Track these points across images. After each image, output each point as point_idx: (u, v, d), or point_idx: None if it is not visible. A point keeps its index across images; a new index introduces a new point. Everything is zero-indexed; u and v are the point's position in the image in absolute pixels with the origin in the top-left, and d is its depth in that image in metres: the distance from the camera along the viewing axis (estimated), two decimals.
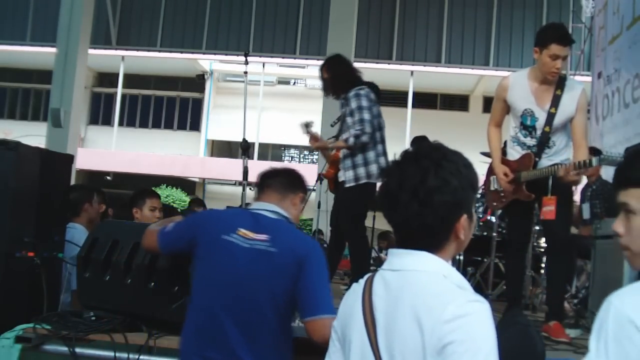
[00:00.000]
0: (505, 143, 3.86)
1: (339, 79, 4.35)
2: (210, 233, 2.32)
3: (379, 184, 2.57)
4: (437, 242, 1.37)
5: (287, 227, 2.38)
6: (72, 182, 5.42)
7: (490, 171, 3.90)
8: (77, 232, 3.60)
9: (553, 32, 3.44)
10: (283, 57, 15.07)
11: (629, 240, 1.27)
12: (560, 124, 3.50)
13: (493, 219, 5.36)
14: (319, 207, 6.53)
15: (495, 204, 3.91)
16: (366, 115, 4.13)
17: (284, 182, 2.48)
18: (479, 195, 5.34)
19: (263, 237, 2.27)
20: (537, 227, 4.96)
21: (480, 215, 5.52)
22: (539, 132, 3.52)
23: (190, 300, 2.34)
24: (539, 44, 3.41)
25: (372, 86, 5.27)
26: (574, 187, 3.62)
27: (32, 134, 13.95)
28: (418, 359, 1.26)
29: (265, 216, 2.36)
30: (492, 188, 3.85)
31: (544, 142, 3.53)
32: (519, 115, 3.56)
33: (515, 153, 3.66)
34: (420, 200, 1.33)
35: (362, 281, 1.46)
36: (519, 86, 3.54)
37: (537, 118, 3.50)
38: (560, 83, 3.48)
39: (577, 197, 4.72)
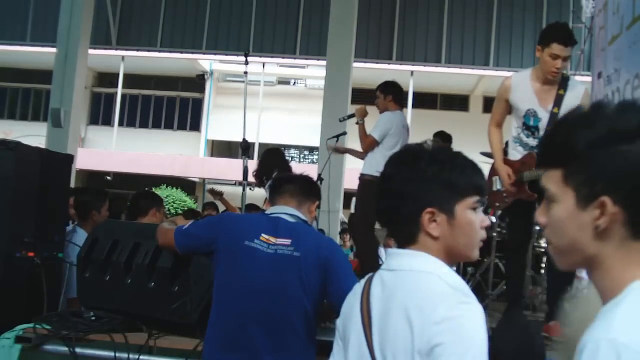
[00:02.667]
0: (506, 143, 3.85)
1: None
2: (232, 239, 2.31)
3: None
4: (408, 235, 1.40)
5: (306, 229, 2.39)
6: (72, 182, 5.42)
7: (492, 172, 3.89)
8: (79, 237, 3.57)
9: (555, 31, 3.46)
10: (283, 57, 15.05)
11: (549, 233, 1.05)
12: None
13: (493, 219, 5.35)
14: (319, 207, 6.52)
15: (497, 204, 3.90)
16: None
17: (301, 188, 2.50)
18: None
19: (285, 241, 2.27)
20: (537, 227, 4.95)
21: None
22: (541, 133, 3.51)
23: (212, 306, 2.33)
24: (541, 42, 3.41)
25: (389, 85, 5.31)
26: None
27: (32, 134, 13.94)
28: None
29: (285, 220, 2.36)
30: (494, 189, 3.84)
31: None
32: (521, 115, 3.55)
33: (517, 153, 3.65)
34: (379, 187, 1.45)
35: (362, 281, 1.47)
36: (522, 87, 3.53)
37: (540, 118, 3.49)
38: (562, 83, 3.47)
39: None
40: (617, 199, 0.94)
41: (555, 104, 3.45)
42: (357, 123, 5.17)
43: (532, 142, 3.56)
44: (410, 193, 1.37)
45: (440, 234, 1.37)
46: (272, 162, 5.06)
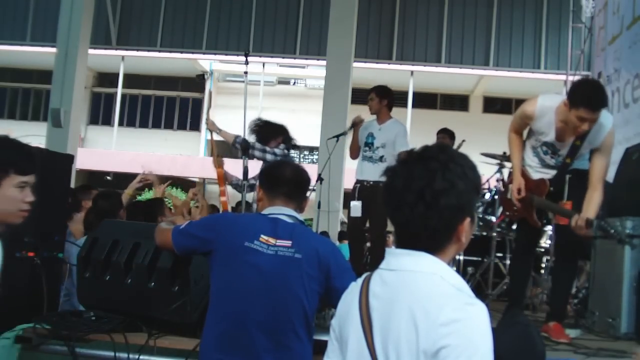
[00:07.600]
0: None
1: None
2: (232, 239, 2.30)
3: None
4: (439, 243, 1.37)
5: (305, 231, 2.40)
6: (73, 182, 5.43)
7: (510, 179, 3.86)
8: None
9: (587, 96, 3.21)
10: (283, 57, 15.05)
11: None
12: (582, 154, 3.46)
13: (493, 219, 5.35)
14: (319, 207, 6.52)
15: (507, 213, 3.88)
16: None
17: (297, 185, 2.49)
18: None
19: (286, 243, 2.27)
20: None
21: (480, 215, 5.51)
22: (560, 158, 3.48)
23: (210, 306, 2.33)
24: (570, 100, 3.22)
25: (387, 91, 5.26)
26: None
27: (32, 134, 13.94)
28: None
29: (284, 221, 2.36)
30: (508, 196, 3.81)
31: (563, 171, 3.48)
32: (541, 140, 3.51)
33: (531, 170, 3.61)
34: (427, 202, 1.31)
35: (359, 280, 1.45)
36: (546, 121, 3.42)
37: (559, 149, 3.47)
38: None
39: None
40: None
41: (578, 137, 3.35)
42: (351, 128, 5.25)
43: (550, 161, 3.53)
44: (461, 206, 1.34)
45: (465, 240, 1.38)
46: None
